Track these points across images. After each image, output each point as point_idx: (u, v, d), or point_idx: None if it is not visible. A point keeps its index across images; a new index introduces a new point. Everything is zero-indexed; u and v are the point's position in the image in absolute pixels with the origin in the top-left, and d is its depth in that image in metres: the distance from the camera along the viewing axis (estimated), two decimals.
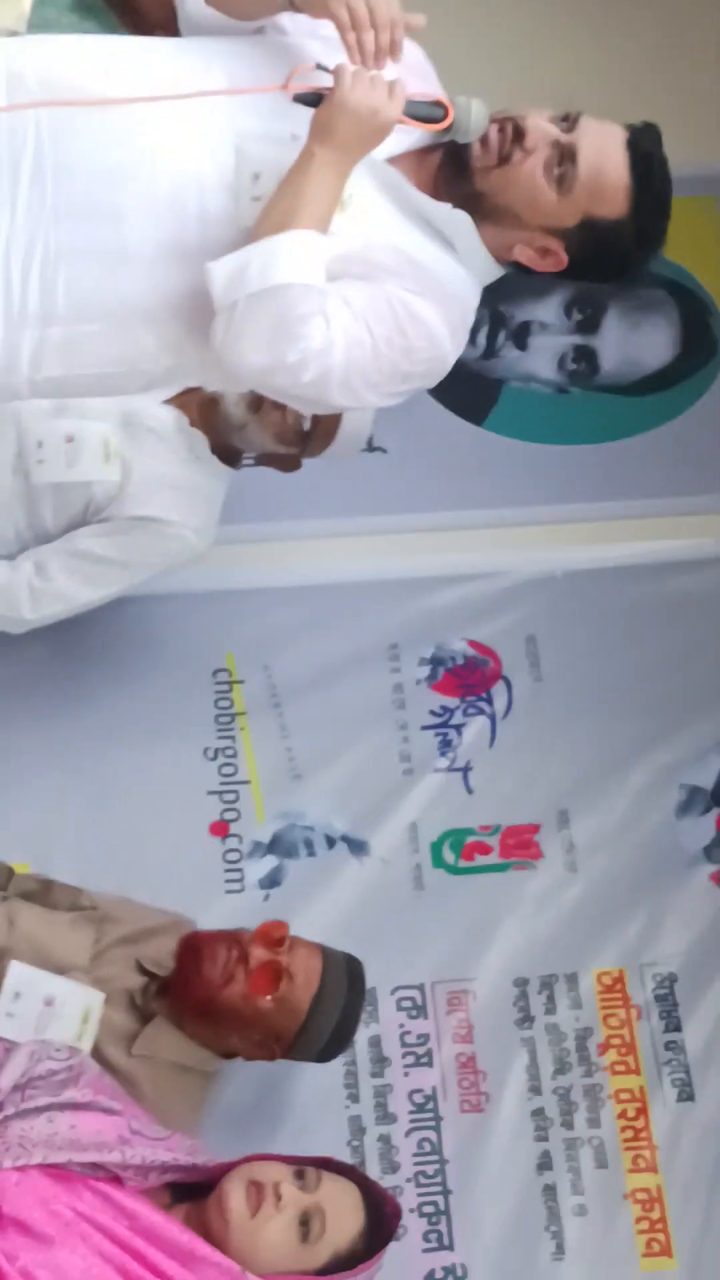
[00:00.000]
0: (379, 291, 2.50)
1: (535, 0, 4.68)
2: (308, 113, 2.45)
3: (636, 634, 4.07)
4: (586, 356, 4.46)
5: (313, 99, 2.42)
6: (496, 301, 2.73)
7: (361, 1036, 3.49)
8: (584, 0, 4.76)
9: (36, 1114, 2.68)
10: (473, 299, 2.63)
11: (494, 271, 2.63)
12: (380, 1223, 2.79)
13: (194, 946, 3.17)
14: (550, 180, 2.48)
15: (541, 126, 2.47)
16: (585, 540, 4.20)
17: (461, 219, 2.54)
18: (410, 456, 4.08)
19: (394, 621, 4.04)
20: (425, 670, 4.00)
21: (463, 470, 4.26)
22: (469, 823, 3.81)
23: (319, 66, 2.43)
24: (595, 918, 3.71)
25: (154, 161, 2.45)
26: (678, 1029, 3.61)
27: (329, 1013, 3.10)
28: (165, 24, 3.74)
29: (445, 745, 3.90)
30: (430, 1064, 3.53)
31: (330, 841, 3.75)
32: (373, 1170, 3.38)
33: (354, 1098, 3.48)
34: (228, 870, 3.70)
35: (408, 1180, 3.40)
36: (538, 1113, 3.49)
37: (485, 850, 3.77)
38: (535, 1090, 3.52)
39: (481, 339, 4.33)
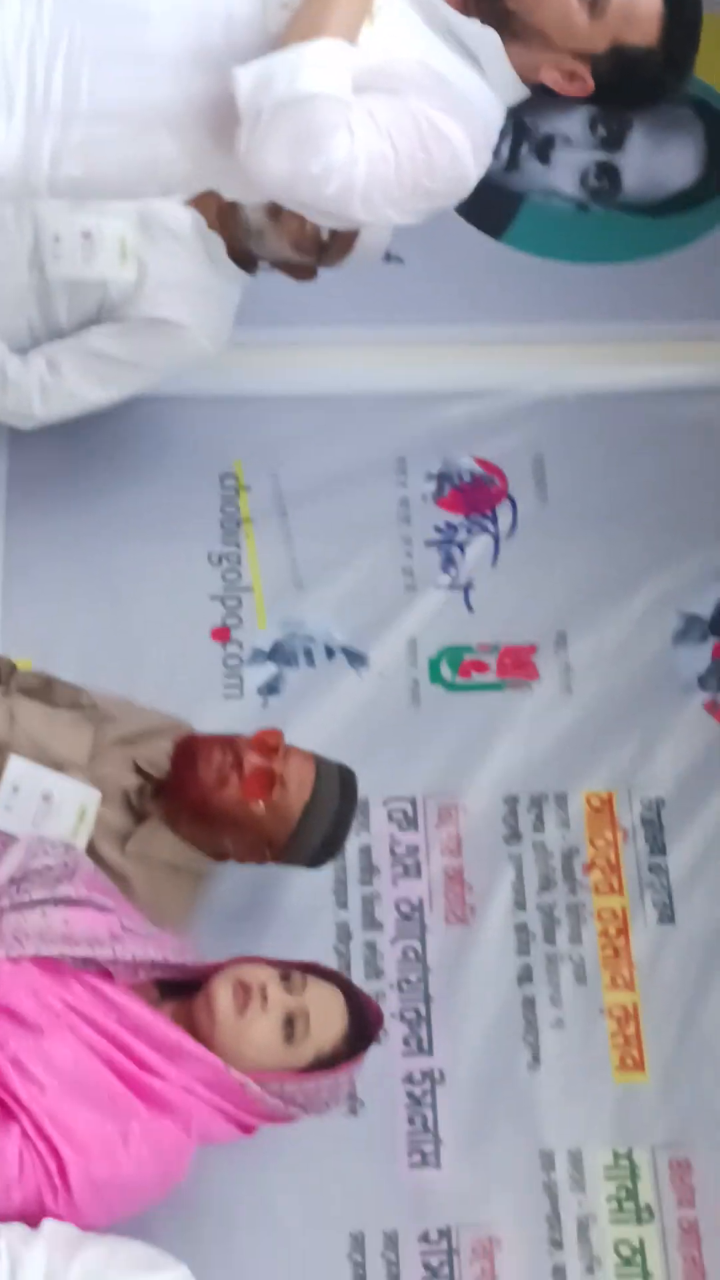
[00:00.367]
0: (404, 106, 2.47)
1: None
2: None
3: (645, 459, 4.07)
4: (609, 173, 4.41)
5: None
6: (521, 113, 2.70)
7: (352, 845, 3.53)
8: None
9: (31, 907, 2.73)
10: (497, 118, 2.60)
11: (519, 91, 2.60)
12: (362, 1027, 2.85)
13: (190, 748, 3.20)
14: (583, 3, 2.45)
15: None
16: (599, 361, 4.18)
17: (489, 36, 2.50)
18: (427, 267, 4.05)
19: (403, 435, 4.04)
20: (431, 486, 4.00)
21: (479, 284, 4.24)
22: (467, 640, 3.83)
23: None
24: (587, 740, 3.75)
25: None
26: (663, 853, 3.65)
27: (320, 819, 3.14)
28: None
29: (448, 562, 3.91)
30: (418, 875, 3.58)
31: (330, 652, 3.78)
32: (357, 975, 3.44)
33: (342, 904, 3.53)
34: (227, 675, 3.73)
35: (391, 986, 3.46)
36: (521, 927, 3.55)
37: (482, 668, 3.80)
38: (520, 905, 3.57)
39: (504, 150, 4.28)
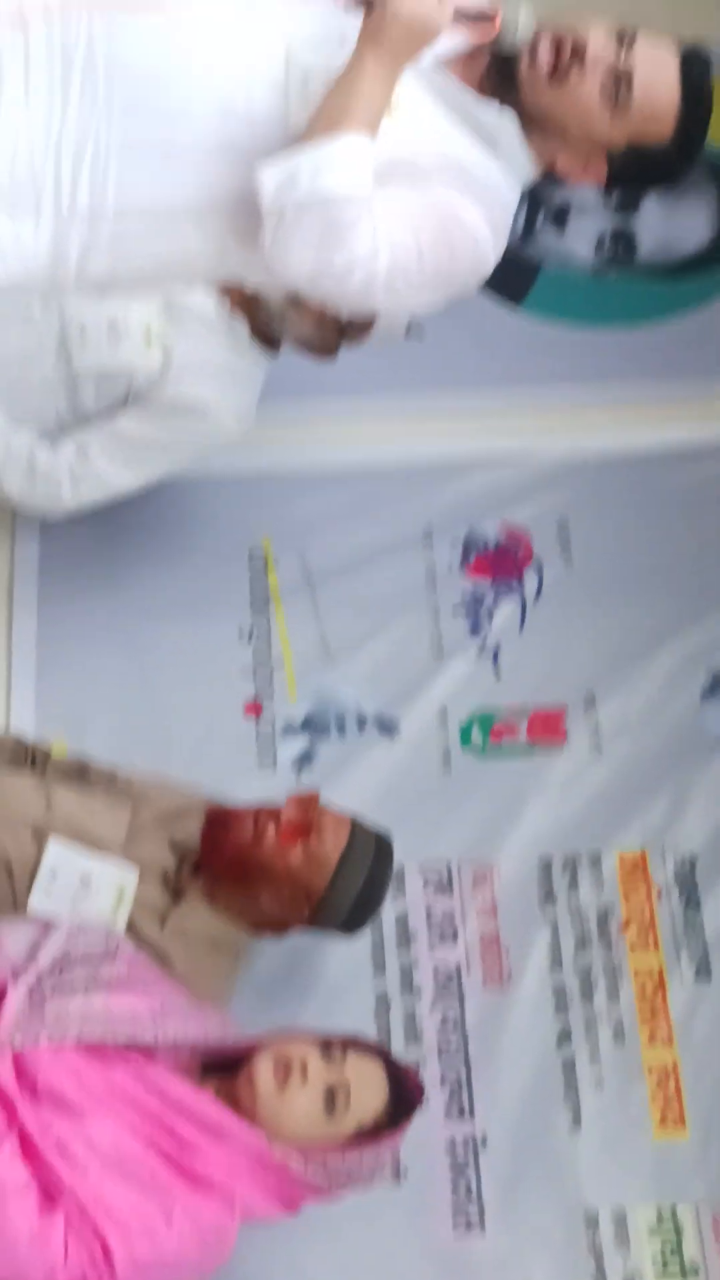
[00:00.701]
0: (424, 196, 2.52)
1: None
2: (357, 15, 2.46)
3: (668, 519, 4.11)
4: (624, 238, 4.45)
5: (365, 3, 2.43)
6: (535, 182, 2.76)
7: (388, 912, 3.60)
8: None
9: (73, 991, 2.76)
10: (513, 199, 2.65)
11: (533, 171, 2.65)
12: (403, 1097, 2.87)
13: (221, 813, 3.26)
14: (605, 103, 2.50)
15: (601, 50, 2.48)
16: (620, 424, 4.23)
17: (507, 120, 2.56)
18: (447, 337, 4.09)
19: (428, 504, 4.10)
20: (458, 553, 4.06)
21: (499, 352, 4.29)
22: (497, 705, 3.88)
23: None
24: (619, 799, 3.78)
25: (206, 61, 2.46)
26: (697, 909, 3.68)
27: (357, 869, 3.16)
28: None
29: (476, 628, 3.96)
30: (455, 940, 3.62)
31: (361, 722, 3.83)
32: (397, 1042, 3.49)
33: (380, 971, 3.57)
34: (260, 749, 3.80)
35: (430, 1052, 3.49)
36: (558, 988, 3.58)
37: (512, 732, 3.85)
38: (556, 967, 3.60)
39: (520, 219, 4.33)
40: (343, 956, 3.54)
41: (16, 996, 2.67)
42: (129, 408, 3.62)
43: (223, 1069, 2.89)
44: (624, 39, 2.52)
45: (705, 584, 4.03)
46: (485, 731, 3.84)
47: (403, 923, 3.62)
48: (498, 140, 2.58)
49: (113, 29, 2.46)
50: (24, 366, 3.58)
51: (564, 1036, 3.54)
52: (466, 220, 2.55)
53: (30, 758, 3.45)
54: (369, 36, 2.42)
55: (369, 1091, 2.83)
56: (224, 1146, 2.72)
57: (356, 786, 3.68)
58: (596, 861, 3.71)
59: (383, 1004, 3.54)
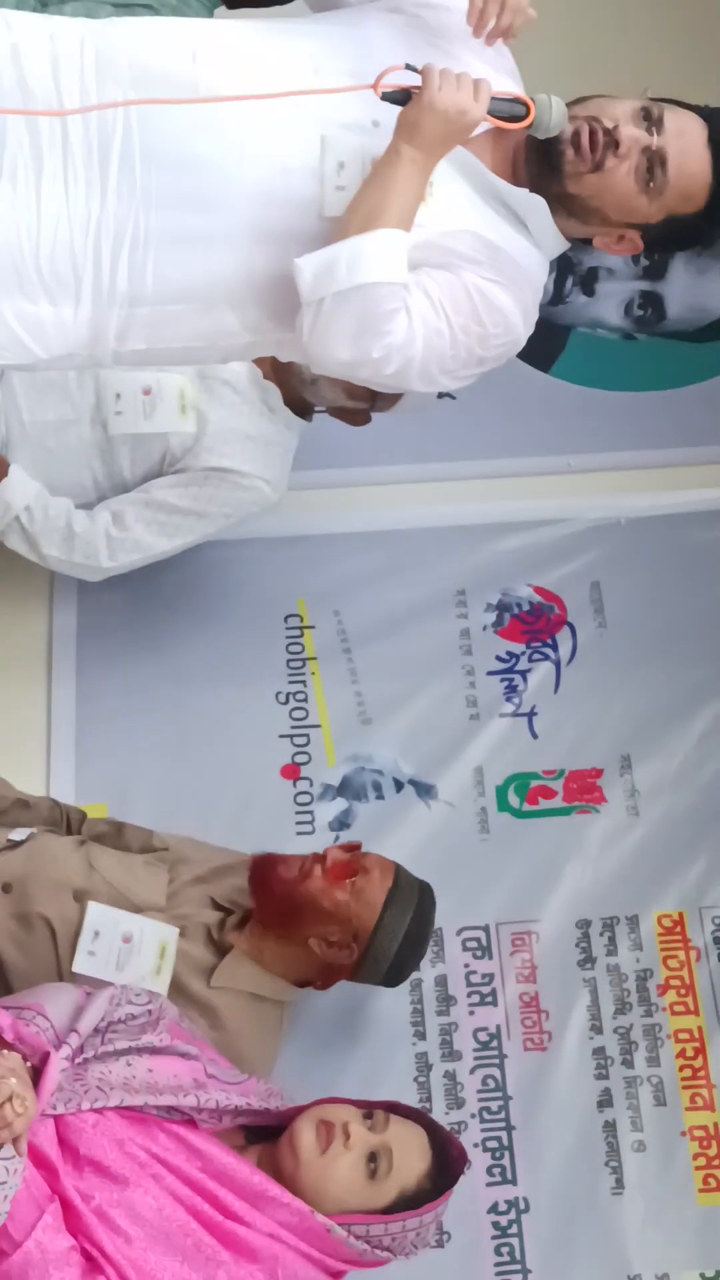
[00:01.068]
0: (457, 280, 2.56)
1: None
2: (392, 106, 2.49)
3: (700, 580, 4.12)
4: (653, 302, 4.48)
5: (401, 97, 2.46)
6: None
7: (428, 975, 3.60)
8: None
9: (115, 1057, 2.76)
10: (543, 275, 2.69)
11: (562, 246, 2.69)
12: (446, 1164, 2.87)
13: (269, 857, 3.29)
14: (641, 186, 2.54)
15: (633, 133, 2.52)
16: (650, 486, 4.25)
17: (537, 203, 2.59)
18: (478, 403, 4.06)
19: (461, 567, 4.11)
20: (491, 616, 4.07)
21: (530, 416, 4.31)
22: (533, 767, 3.88)
23: (408, 66, 2.47)
24: (656, 861, 3.78)
25: (242, 150, 2.49)
26: None
27: (403, 910, 3.19)
28: None
29: (511, 690, 3.97)
30: (495, 1003, 3.61)
31: (398, 785, 3.84)
32: (438, 1106, 3.49)
33: (420, 1035, 3.57)
34: (298, 812, 3.79)
35: (472, 1116, 3.49)
36: (598, 1051, 3.57)
37: (549, 794, 3.85)
38: (596, 1029, 3.60)
39: (550, 285, 4.34)
40: (383, 1020, 3.55)
41: (59, 1063, 2.67)
42: (164, 475, 3.65)
43: (265, 1135, 2.89)
44: (651, 117, 2.55)
45: None
46: (522, 793, 3.84)
47: (442, 985, 3.62)
48: (527, 218, 2.62)
49: (149, 118, 2.49)
50: (61, 434, 3.61)
51: (605, 1100, 3.53)
52: (498, 303, 2.59)
53: (66, 821, 3.47)
54: (406, 128, 2.46)
55: (412, 1156, 2.83)
56: (267, 1214, 2.72)
57: (394, 849, 3.64)
58: (635, 923, 3.71)
59: (423, 1068, 3.54)
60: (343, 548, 4.10)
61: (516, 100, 2.50)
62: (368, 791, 3.83)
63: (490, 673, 3.99)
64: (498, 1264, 3.37)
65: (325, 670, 3.96)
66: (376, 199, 2.46)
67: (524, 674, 3.99)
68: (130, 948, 3.18)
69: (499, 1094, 3.52)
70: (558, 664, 4.01)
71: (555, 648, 4.03)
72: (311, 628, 4.01)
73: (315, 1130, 2.80)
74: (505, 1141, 3.48)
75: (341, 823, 3.78)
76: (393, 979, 3.29)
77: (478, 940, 3.68)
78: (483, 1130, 3.49)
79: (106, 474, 3.66)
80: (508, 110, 2.49)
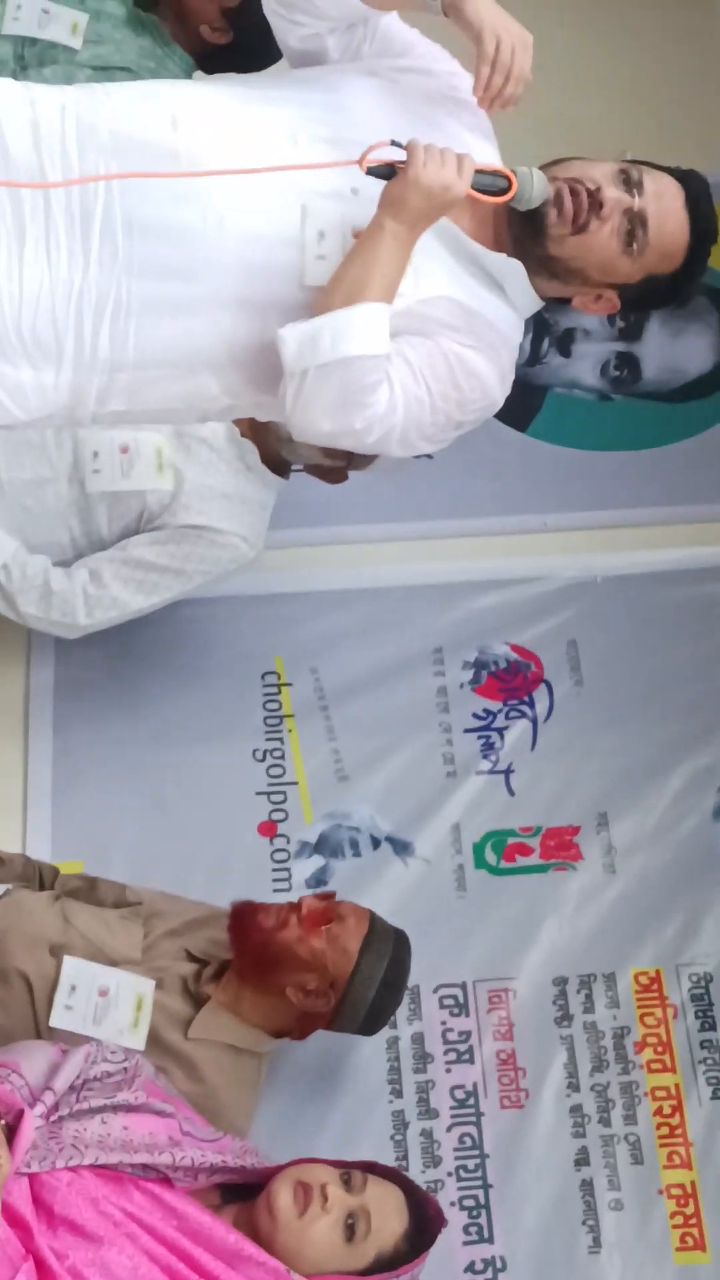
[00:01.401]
0: (436, 347, 2.59)
1: (570, 13, 4.76)
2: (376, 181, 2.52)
3: (676, 638, 4.15)
4: (629, 363, 4.52)
5: (386, 172, 2.48)
6: (541, 309, 2.83)
7: (405, 1033, 3.59)
8: (620, 14, 4.83)
9: (90, 1115, 2.75)
10: (518, 337, 2.73)
11: (536, 305, 2.73)
12: (424, 1225, 2.86)
13: (248, 905, 3.29)
14: (623, 246, 2.58)
15: (615, 195, 2.56)
16: (626, 545, 4.28)
17: (515, 266, 2.63)
18: (456, 462, 4.11)
19: (438, 625, 4.13)
20: (468, 674, 4.08)
21: (507, 476, 4.35)
22: (510, 824, 3.88)
23: (393, 143, 2.49)
24: (633, 919, 3.78)
25: (222, 220, 2.52)
26: (713, 1028, 3.67)
27: (379, 955, 3.20)
28: (210, 19, 3.84)
29: (488, 748, 3.98)
30: (471, 1060, 3.61)
31: (375, 842, 3.84)
32: (414, 1164, 3.47)
33: (397, 1093, 3.56)
34: (275, 869, 3.79)
35: (449, 1174, 3.48)
36: (576, 1109, 3.57)
37: (526, 851, 3.85)
38: (573, 1087, 3.59)
39: (526, 346, 4.40)
40: (360, 1078, 3.54)
41: (34, 1120, 2.67)
42: (141, 532, 3.66)
43: (241, 1194, 2.88)
44: (631, 180, 2.59)
45: (715, 703, 4.06)
46: (499, 851, 3.85)
47: (419, 1043, 3.61)
48: (504, 281, 2.65)
49: (131, 188, 2.51)
50: (38, 492, 3.62)
51: (582, 1158, 3.52)
52: (475, 370, 2.64)
53: (39, 876, 3.47)
54: (391, 205, 2.48)
55: (390, 1218, 2.82)
56: (243, 1273, 2.70)
57: (371, 906, 3.57)
58: (612, 981, 3.71)
59: (400, 1126, 3.53)
60: (320, 605, 4.11)
61: (498, 174, 2.53)
62: (345, 848, 3.83)
63: (467, 730, 4.00)
64: None
65: (302, 727, 3.97)
66: (360, 273, 2.48)
67: (501, 731, 4.00)
68: (107, 1001, 3.18)
69: (476, 1152, 3.51)
70: (534, 721, 4.02)
71: (532, 705, 4.04)
72: (289, 685, 4.02)
73: (293, 1192, 2.79)
74: (482, 1200, 3.46)
75: (318, 880, 3.78)
76: (369, 1027, 3.29)
77: (454, 998, 3.67)
78: (460, 1188, 3.47)
79: (84, 532, 3.67)
80: (490, 184, 2.52)
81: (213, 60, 3.86)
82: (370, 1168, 2.90)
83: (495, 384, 2.67)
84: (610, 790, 3.93)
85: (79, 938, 3.24)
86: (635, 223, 2.58)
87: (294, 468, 3.81)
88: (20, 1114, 2.67)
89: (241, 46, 3.74)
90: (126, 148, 2.51)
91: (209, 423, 3.63)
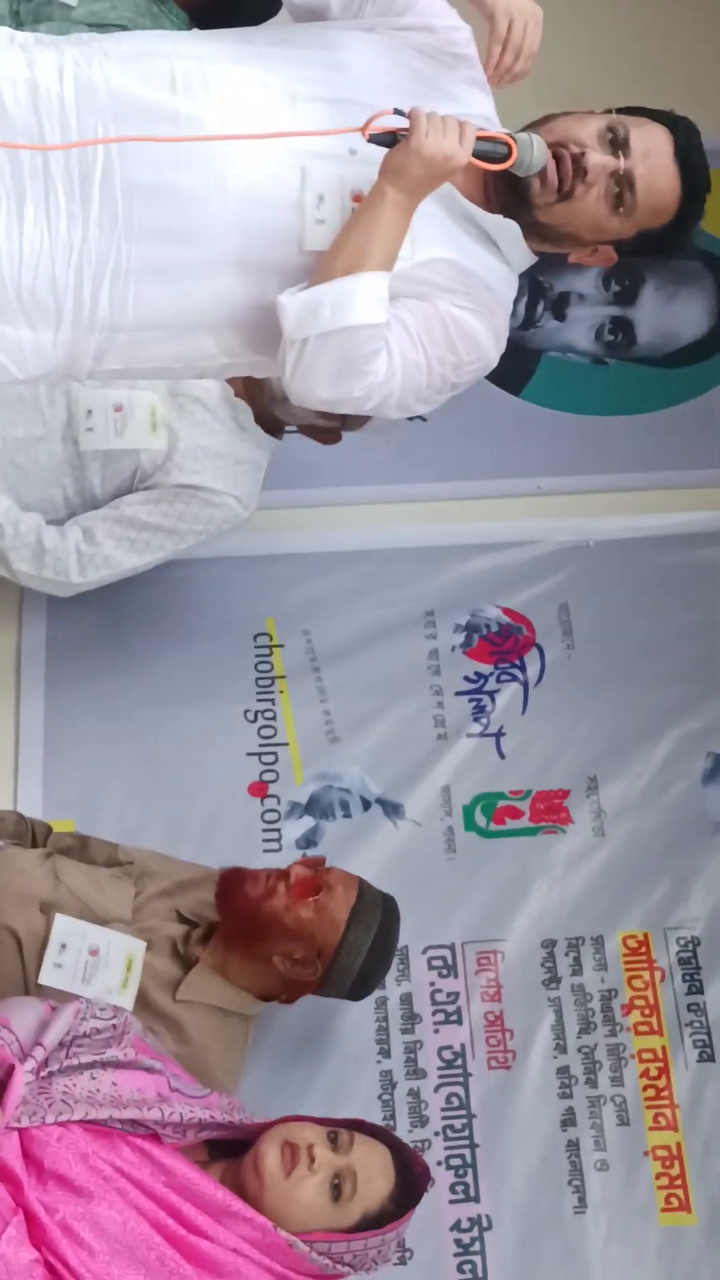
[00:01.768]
0: (433, 310, 2.60)
1: None
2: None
3: (667, 603, 4.15)
4: (624, 328, 4.52)
5: (388, 140, 2.48)
6: (536, 272, 2.83)
7: (393, 994, 3.61)
8: None
9: (80, 1071, 2.76)
10: (513, 293, 2.73)
11: (530, 260, 2.73)
12: (410, 1183, 2.87)
13: (236, 872, 3.29)
14: (611, 209, 2.57)
15: (600, 161, 2.55)
16: (619, 510, 4.28)
17: (510, 226, 2.63)
18: (449, 425, 4.13)
19: (430, 588, 4.13)
20: (460, 637, 4.08)
21: (501, 439, 4.35)
22: (500, 787, 3.90)
23: (395, 111, 2.49)
24: (622, 882, 3.80)
25: (222, 183, 2.51)
26: (700, 991, 3.69)
27: (366, 926, 3.21)
28: None
29: (479, 711, 3.98)
30: (459, 1021, 3.62)
31: (366, 803, 3.85)
32: (402, 1124, 3.49)
33: (385, 1053, 3.58)
34: (266, 830, 3.80)
35: (436, 1134, 3.50)
36: (562, 1070, 3.59)
37: (516, 814, 3.86)
38: (561, 1049, 3.61)
39: (521, 309, 4.40)
40: (348, 1038, 3.56)
41: (24, 1076, 2.68)
42: (135, 492, 3.66)
43: (229, 1151, 2.90)
44: (618, 138, 2.58)
45: (705, 668, 4.07)
46: (489, 813, 3.86)
47: (407, 1004, 3.63)
48: (499, 239, 2.65)
49: (130, 152, 2.51)
50: (31, 450, 3.62)
51: (568, 1119, 3.54)
52: (471, 332, 2.64)
53: (32, 833, 3.48)
54: (392, 173, 2.48)
55: (375, 1177, 2.84)
56: (230, 1229, 2.72)
57: (361, 868, 3.63)
58: (600, 944, 3.73)
59: (388, 1086, 3.55)
60: (313, 567, 4.11)
61: (499, 140, 2.53)
62: (335, 810, 3.84)
63: (458, 693, 4.01)
64: None
65: (294, 689, 3.97)
66: (360, 241, 2.48)
67: (492, 694, 4.01)
68: (97, 960, 3.19)
69: (463, 1112, 3.53)
70: (525, 685, 4.02)
71: (523, 669, 4.04)
72: (281, 646, 4.02)
73: (280, 1152, 2.80)
74: (469, 1159, 3.49)
75: (308, 841, 3.79)
76: (357, 993, 3.30)
77: (443, 959, 3.69)
78: (446, 1148, 3.49)
79: (77, 490, 3.67)
80: (491, 151, 2.52)
81: (209, 17, 3.84)
82: (358, 1125, 2.91)
83: (490, 345, 2.67)
84: (600, 754, 3.95)
85: (69, 895, 3.25)
86: (623, 185, 2.57)
87: (288, 428, 3.80)
88: (10, 1070, 2.68)
89: (235, 4, 3.72)
90: (125, 110, 2.50)
91: (203, 382, 3.64)
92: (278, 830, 3.80)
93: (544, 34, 2.60)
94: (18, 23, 3.73)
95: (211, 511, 3.66)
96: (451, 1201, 3.45)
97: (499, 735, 3.96)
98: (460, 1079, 3.57)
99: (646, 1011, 3.67)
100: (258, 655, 4.01)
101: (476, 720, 3.97)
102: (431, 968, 3.68)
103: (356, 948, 3.19)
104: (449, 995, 3.65)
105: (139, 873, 3.39)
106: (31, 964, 3.16)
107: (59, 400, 3.62)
